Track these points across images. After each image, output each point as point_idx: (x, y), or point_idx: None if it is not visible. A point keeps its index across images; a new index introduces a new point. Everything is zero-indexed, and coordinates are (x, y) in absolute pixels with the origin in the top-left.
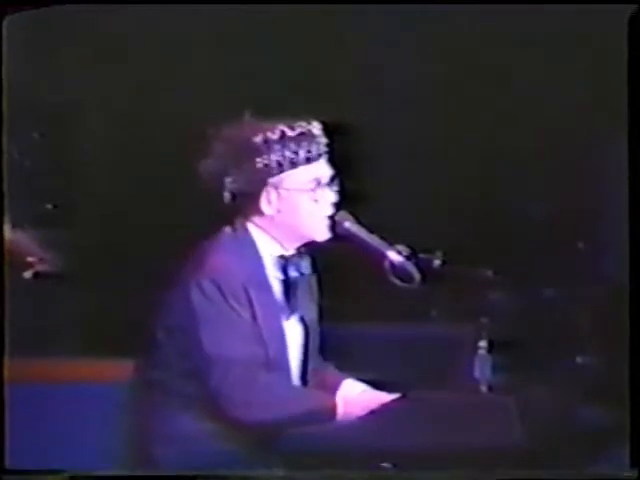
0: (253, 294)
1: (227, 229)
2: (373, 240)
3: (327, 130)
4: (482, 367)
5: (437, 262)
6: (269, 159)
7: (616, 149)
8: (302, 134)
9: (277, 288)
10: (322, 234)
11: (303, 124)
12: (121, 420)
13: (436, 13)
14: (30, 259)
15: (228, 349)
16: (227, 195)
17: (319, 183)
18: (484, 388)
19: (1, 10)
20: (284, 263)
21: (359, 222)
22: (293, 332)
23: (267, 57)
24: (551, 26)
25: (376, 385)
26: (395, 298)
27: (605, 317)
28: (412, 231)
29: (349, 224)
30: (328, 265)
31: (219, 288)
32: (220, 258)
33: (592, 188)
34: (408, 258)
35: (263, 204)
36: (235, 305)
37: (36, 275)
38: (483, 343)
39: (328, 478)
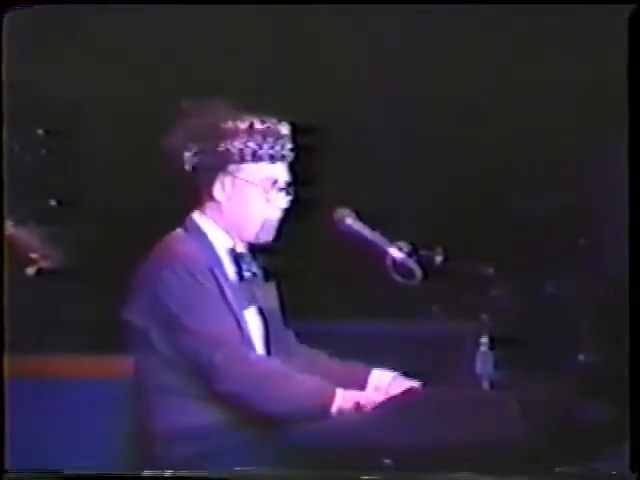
0: (220, 277)
1: (178, 229)
2: (374, 237)
3: (297, 133)
4: (483, 363)
5: (438, 259)
6: (232, 145)
7: (616, 148)
8: (269, 129)
9: (233, 278)
10: (266, 235)
11: (273, 121)
12: (122, 416)
13: (437, 12)
14: (33, 255)
15: (211, 326)
16: (187, 168)
17: (274, 184)
18: (485, 384)
19: (1, 8)
20: (236, 257)
21: (360, 219)
22: (253, 323)
23: (260, 57)
24: (551, 26)
25: None
26: (396, 295)
27: (607, 314)
28: (413, 228)
29: (351, 221)
30: (329, 261)
31: (189, 269)
32: (181, 247)
33: (592, 185)
34: (409, 255)
35: (216, 189)
36: (207, 285)
37: (39, 271)
38: (484, 339)
39: (329, 477)
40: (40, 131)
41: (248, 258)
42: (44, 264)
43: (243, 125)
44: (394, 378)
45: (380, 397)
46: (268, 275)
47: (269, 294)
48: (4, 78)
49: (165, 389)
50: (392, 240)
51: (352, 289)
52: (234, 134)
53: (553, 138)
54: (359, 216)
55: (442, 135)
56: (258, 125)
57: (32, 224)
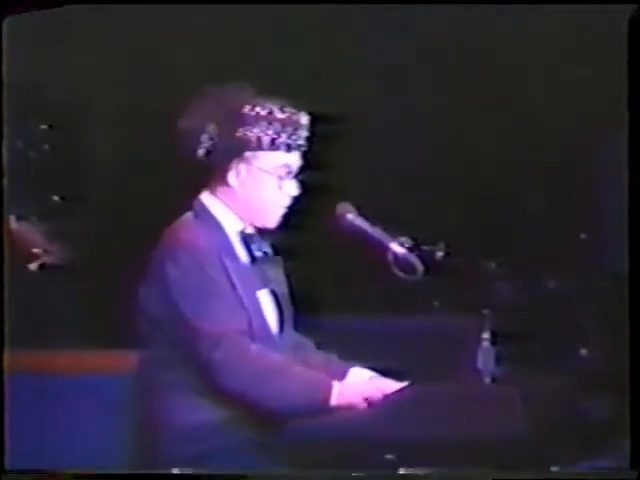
0: (228, 264)
1: (187, 213)
2: (376, 232)
3: (314, 122)
4: (485, 359)
5: (440, 254)
6: (251, 132)
7: (616, 147)
8: (289, 119)
9: (245, 261)
10: (274, 220)
11: (293, 110)
12: (125, 413)
13: (436, 12)
14: (36, 251)
15: (214, 319)
16: (201, 152)
17: (289, 173)
18: (487, 380)
19: (2, 10)
20: (246, 239)
21: (362, 214)
22: (267, 304)
23: (266, 49)
24: (551, 26)
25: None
26: (398, 290)
27: (608, 309)
28: (415, 223)
29: (352, 216)
30: (331, 256)
31: (194, 259)
32: (189, 234)
33: (593, 182)
34: (411, 250)
35: (230, 175)
36: (213, 275)
37: (42, 267)
38: (486, 335)
39: (331, 475)
40: (43, 127)
41: (257, 238)
42: (47, 259)
43: (263, 112)
44: (371, 378)
45: (375, 393)
46: (278, 253)
47: (280, 275)
48: (6, 75)
49: (169, 386)
50: (393, 235)
51: (354, 284)
52: (253, 121)
53: (553, 136)
54: (360, 211)
55: (444, 132)
56: (278, 114)
57: (35, 219)
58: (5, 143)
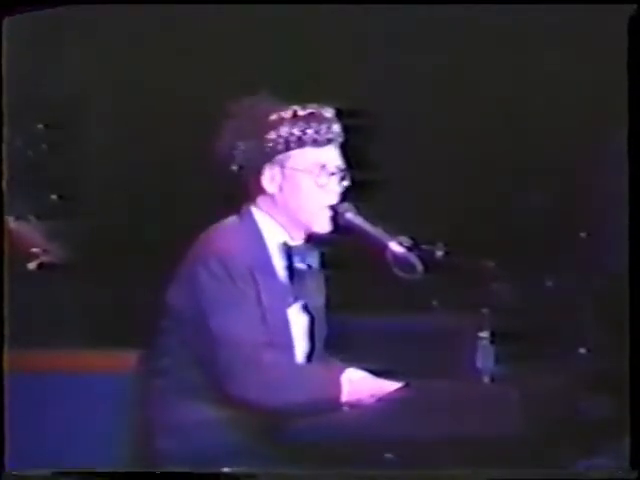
0: (258, 277)
1: (233, 217)
2: (375, 231)
3: (341, 118)
4: (484, 358)
5: (439, 253)
6: (277, 135)
7: (615, 147)
8: (312, 114)
9: (282, 275)
10: (322, 224)
11: (315, 106)
12: (127, 412)
13: (437, 13)
14: (34, 250)
15: (234, 329)
16: (235, 167)
17: (324, 168)
18: (486, 378)
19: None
20: (288, 251)
21: (361, 213)
22: (297, 319)
23: (280, 44)
24: (551, 26)
25: (378, 375)
26: (397, 289)
27: (607, 308)
28: (414, 222)
29: (351, 215)
30: (330, 256)
31: (226, 268)
32: (226, 242)
33: (592, 181)
34: (410, 249)
35: (266, 181)
36: (241, 285)
37: (40, 266)
38: (485, 334)
39: (331, 475)
40: (41, 126)
41: (302, 250)
42: (45, 259)
43: (286, 114)
44: (364, 378)
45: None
46: (324, 265)
47: (319, 288)
48: (5, 75)
49: (175, 387)
50: (393, 234)
51: (352, 284)
52: (278, 124)
53: (554, 136)
54: (360, 211)
55: (444, 130)
56: (300, 112)
57: (33, 219)
58: (4, 143)
